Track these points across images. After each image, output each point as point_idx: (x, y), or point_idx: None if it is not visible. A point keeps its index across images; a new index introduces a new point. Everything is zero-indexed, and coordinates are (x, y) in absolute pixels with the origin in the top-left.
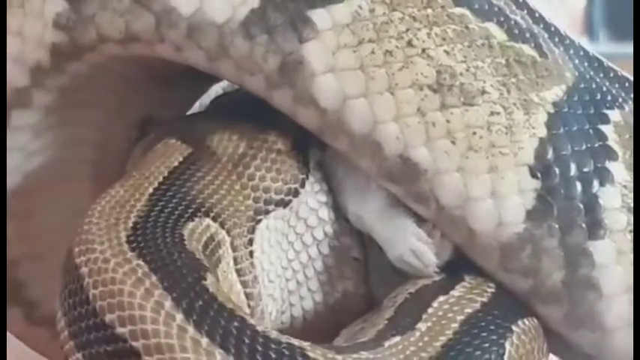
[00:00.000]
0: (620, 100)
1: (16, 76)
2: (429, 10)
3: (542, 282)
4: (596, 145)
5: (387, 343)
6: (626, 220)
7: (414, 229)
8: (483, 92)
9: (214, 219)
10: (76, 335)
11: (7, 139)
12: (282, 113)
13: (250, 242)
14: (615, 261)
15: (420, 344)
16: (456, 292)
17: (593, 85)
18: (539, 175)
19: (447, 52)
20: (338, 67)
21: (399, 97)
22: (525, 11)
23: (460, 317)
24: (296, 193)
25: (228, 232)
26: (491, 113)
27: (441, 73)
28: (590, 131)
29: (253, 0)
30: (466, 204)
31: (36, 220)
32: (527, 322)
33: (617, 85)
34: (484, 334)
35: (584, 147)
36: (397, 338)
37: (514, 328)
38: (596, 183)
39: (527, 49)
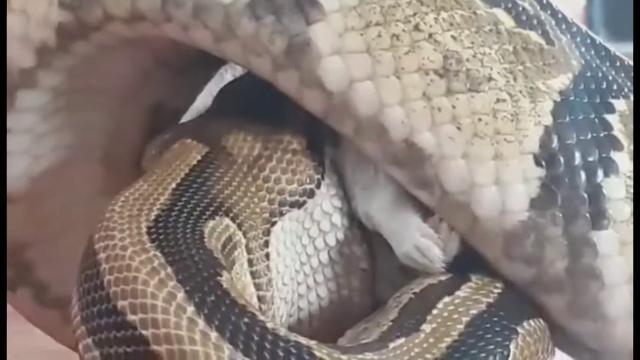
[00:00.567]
0: (626, 89)
1: (20, 56)
2: None
3: (545, 270)
4: (602, 134)
5: (391, 345)
6: (630, 210)
7: (419, 225)
8: (490, 79)
9: (233, 220)
10: (88, 320)
11: (14, 121)
12: (296, 110)
13: (266, 244)
14: (618, 251)
15: (425, 345)
16: (461, 293)
17: (599, 74)
18: (543, 163)
19: (454, 37)
20: (344, 49)
21: (405, 81)
22: None
23: (465, 318)
24: (311, 194)
25: (244, 234)
26: (497, 100)
27: (447, 59)
28: (596, 120)
29: None
30: (471, 190)
31: (46, 203)
32: (532, 324)
33: (622, 75)
34: (489, 335)
35: (589, 136)
36: (402, 340)
37: (519, 329)
38: (600, 173)
39: (535, 36)
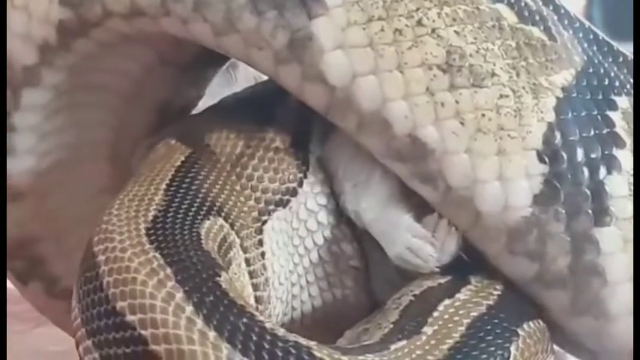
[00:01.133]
0: (629, 86)
1: (23, 53)
2: None
3: (547, 267)
4: (604, 131)
5: (393, 347)
6: (632, 208)
7: (410, 225)
8: (493, 74)
9: (225, 219)
10: (88, 322)
11: (18, 119)
12: (282, 108)
13: (260, 243)
14: (621, 249)
15: (427, 348)
16: (461, 296)
17: (602, 70)
18: (546, 159)
19: (457, 32)
20: (347, 43)
21: (409, 76)
22: None
23: (466, 321)
24: (294, 193)
25: (237, 234)
26: (501, 96)
27: (450, 54)
28: (599, 117)
29: None
30: (474, 185)
31: (54, 199)
32: (532, 325)
33: (625, 71)
34: (490, 337)
35: (592, 133)
36: (403, 342)
37: (520, 331)
38: (603, 170)
39: (537, 32)
